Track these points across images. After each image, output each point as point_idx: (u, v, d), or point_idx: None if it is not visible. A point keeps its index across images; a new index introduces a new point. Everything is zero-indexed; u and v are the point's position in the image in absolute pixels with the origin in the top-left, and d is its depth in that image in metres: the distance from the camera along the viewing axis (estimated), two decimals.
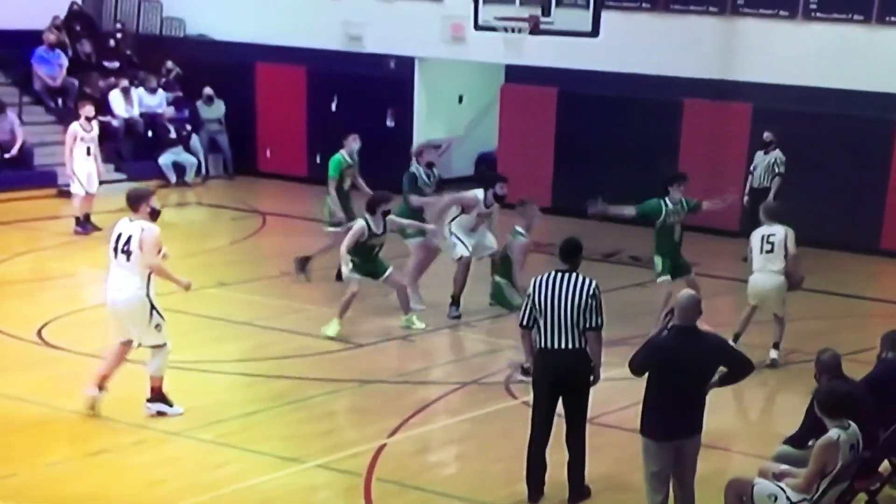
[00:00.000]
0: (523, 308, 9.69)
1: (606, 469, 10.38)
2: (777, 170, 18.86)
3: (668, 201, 14.50)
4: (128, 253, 10.95)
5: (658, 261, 14.64)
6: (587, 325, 9.57)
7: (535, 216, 14.69)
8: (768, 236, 13.59)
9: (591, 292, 9.55)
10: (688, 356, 8.57)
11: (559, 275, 9.58)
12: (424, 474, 10.48)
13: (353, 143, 16.74)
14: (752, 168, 19.28)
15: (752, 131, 20.21)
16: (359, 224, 13.90)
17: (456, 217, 15.39)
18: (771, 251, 13.54)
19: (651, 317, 14.26)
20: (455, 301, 15.16)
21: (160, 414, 11.25)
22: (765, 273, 13.60)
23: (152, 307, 11.06)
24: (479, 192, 15.19)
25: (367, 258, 13.99)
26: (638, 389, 8.94)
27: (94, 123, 19.33)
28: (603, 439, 10.92)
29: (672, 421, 8.64)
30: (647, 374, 8.75)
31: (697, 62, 21.01)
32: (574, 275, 9.62)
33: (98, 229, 18.74)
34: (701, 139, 20.95)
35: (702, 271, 16.02)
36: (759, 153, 19.21)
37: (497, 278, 14.74)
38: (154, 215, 11.20)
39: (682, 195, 14.62)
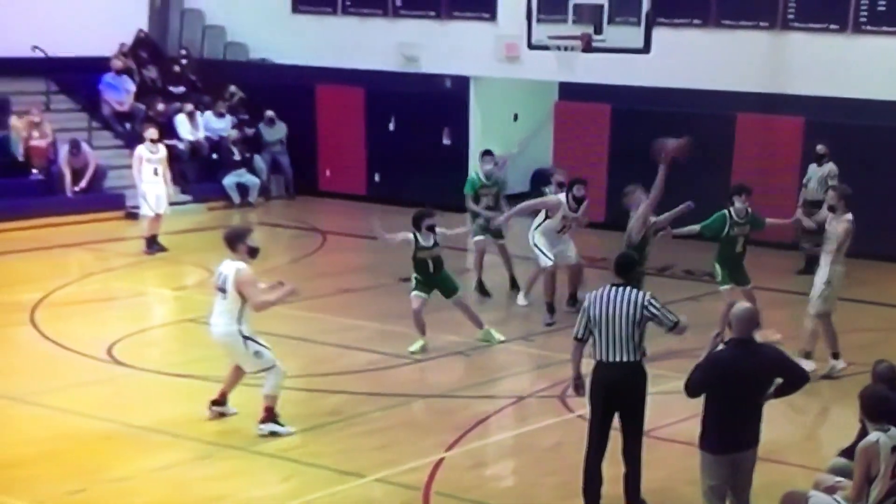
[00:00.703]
0: (578, 321, 9.60)
1: (661, 483, 10.23)
2: (830, 182, 18.60)
3: (732, 212, 14.36)
4: (223, 291, 11.11)
5: (718, 270, 14.47)
6: (667, 328, 9.57)
7: (641, 200, 14.09)
8: None
9: (645, 304, 9.43)
10: (745, 368, 8.42)
11: (614, 289, 9.48)
12: (481, 488, 10.39)
13: (486, 163, 16.86)
14: (805, 181, 19.05)
15: (804, 144, 20.00)
16: (407, 235, 13.86)
17: (541, 224, 15.38)
18: None
19: (705, 329, 14.13)
20: (549, 308, 15.29)
21: (273, 434, 11.21)
22: None
23: (245, 338, 11.14)
24: (560, 196, 15.26)
25: (424, 273, 13.92)
26: (691, 403, 8.79)
27: (160, 146, 19.42)
28: (657, 453, 10.77)
29: (730, 434, 8.49)
30: (701, 377, 8.57)
31: (749, 76, 20.84)
32: (628, 289, 9.51)
33: (164, 250, 18.87)
34: (754, 153, 20.74)
35: (755, 284, 15.77)
36: (813, 166, 18.99)
37: None
38: (252, 253, 11.29)
39: (747, 206, 14.44)
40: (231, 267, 11.12)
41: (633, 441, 9.64)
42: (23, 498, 9.69)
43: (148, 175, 18.95)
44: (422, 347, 13.98)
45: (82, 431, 11.27)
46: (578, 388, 9.83)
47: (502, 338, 14.40)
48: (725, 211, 14.42)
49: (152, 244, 19.01)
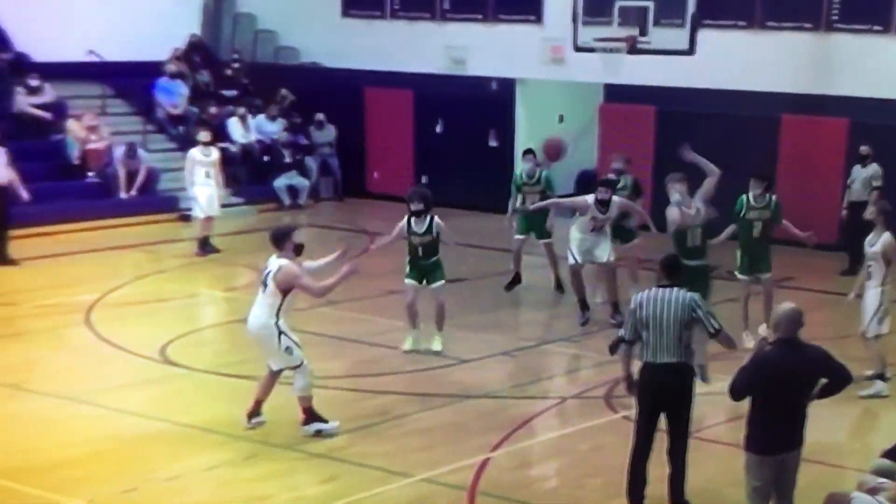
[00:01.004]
0: (626, 323, 9.57)
1: (705, 484, 10.17)
2: (875, 183, 18.44)
3: (749, 197, 14.42)
4: (265, 285, 11.15)
5: (737, 257, 14.48)
6: (709, 333, 9.52)
7: (676, 183, 13.95)
8: None
9: (692, 306, 9.38)
10: (791, 369, 8.35)
11: (661, 290, 9.43)
12: (526, 488, 10.38)
13: (527, 162, 17.01)
14: (849, 182, 18.88)
15: (848, 145, 19.80)
16: (401, 223, 13.82)
17: (576, 222, 15.49)
18: None
19: (750, 331, 14.09)
20: (581, 306, 15.33)
21: (318, 433, 11.23)
22: None
23: (280, 332, 11.12)
24: (588, 197, 15.25)
25: (413, 256, 13.83)
26: (735, 404, 8.72)
27: (212, 149, 19.50)
28: (702, 453, 10.71)
29: (775, 434, 8.41)
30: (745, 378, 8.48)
31: (793, 78, 20.67)
32: (675, 289, 9.45)
33: (217, 251, 18.97)
34: (798, 154, 20.56)
35: (798, 285, 15.74)
36: (857, 167, 18.82)
37: None
38: (298, 250, 11.31)
39: (770, 195, 14.45)
40: (275, 263, 11.13)
41: (679, 442, 9.60)
42: (76, 497, 9.77)
43: (200, 177, 19.04)
44: (414, 342, 13.88)
45: (134, 431, 11.37)
46: (630, 387, 9.76)
47: (439, 349, 13.98)
48: (745, 195, 14.48)
49: (204, 246, 19.10)
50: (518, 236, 16.79)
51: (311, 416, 11.29)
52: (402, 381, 12.97)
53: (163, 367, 13.33)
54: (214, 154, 19.44)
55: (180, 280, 17.80)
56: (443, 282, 13.95)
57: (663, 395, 9.46)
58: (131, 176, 21.99)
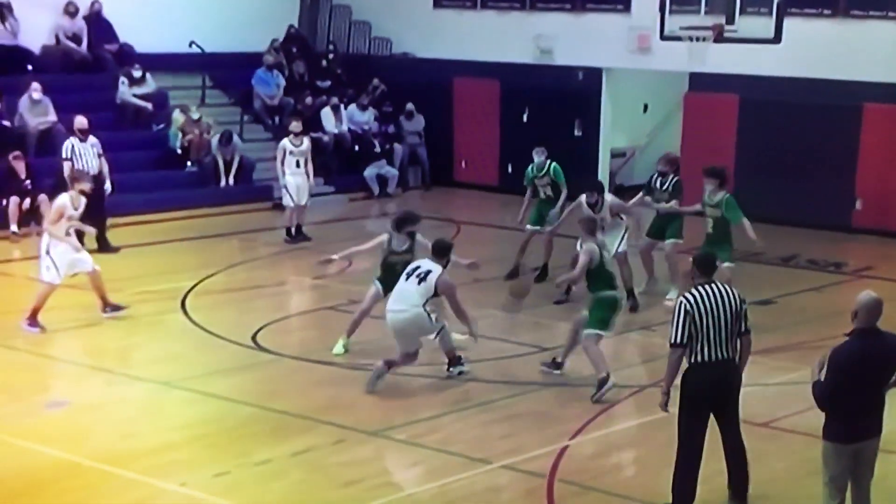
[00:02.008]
0: (677, 326, 9.09)
1: (782, 473, 10.09)
2: None
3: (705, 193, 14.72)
4: (420, 279, 12.11)
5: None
6: (742, 330, 9.24)
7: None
8: None
9: (742, 297, 9.24)
10: (871, 357, 8.17)
11: (709, 287, 9.17)
12: (605, 476, 10.33)
13: (538, 155, 16.77)
14: None
15: None
16: (380, 238, 13.38)
17: None
18: None
19: (829, 319, 13.85)
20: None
21: (460, 374, 12.55)
22: None
23: (428, 313, 12.09)
24: (582, 197, 15.19)
25: (391, 277, 12.86)
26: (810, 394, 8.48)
27: (304, 138, 19.50)
28: (778, 444, 10.61)
29: (854, 423, 8.24)
30: (829, 377, 8.30)
31: (877, 66, 20.29)
32: (720, 285, 9.25)
33: (308, 240, 19.05)
34: (881, 142, 20.20)
35: (878, 274, 15.45)
36: None
37: None
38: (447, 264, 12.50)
39: (719, 190, 14.59)
40: (434, 266, 12.15)
41: (739, 436, 9.37)
42: (172, 481, 9.91)
43: (290, 167, 19.08)
44: (344, 347, 13.34)
45: (226, 416, 11.51)
46: (669, 403, 9.36)
47: (340, 351, 13.36)
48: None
49: (298, 234, 19.23)
50: (528, 226, 16.61)
51: (456, 360, 12.64)
52: (485, 368, 12.96)
53: (254, 353, 13.46)
54: (306, 144, 19.43)
55: (272, 268, 17.96)
56: None
57: (723, 391, 9.21)
58: (228, 164, 22.20)
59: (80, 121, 18.10)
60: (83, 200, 14.35)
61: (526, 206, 16.77)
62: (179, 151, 22.21)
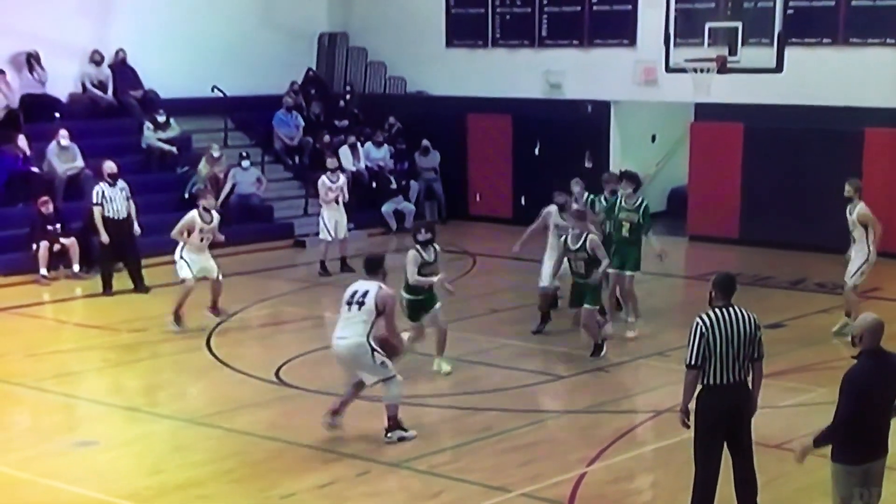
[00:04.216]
0: (692, 348, 8.86)
1: (794, 494, 9.89)
2: None
3: (620, 197, 15.13)
4: (359, 304, 11.27)
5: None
6: (755, 356, 8.98)
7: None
8: None
9: (757, 323, 9.01)
10: (877, 379, 8.00)
11: (727, 310, 8.93)
12: (623, 501, 10.14)
13: (574, 186, 16.46)
14: None
15: None
16: (411, 253, 13.37)
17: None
18: None
19: (835, 345, 13.66)
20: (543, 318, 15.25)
21: (401, 440, 11.37)
22: None
23: (373, 349, 11.19)
24: (552, 208, 15.33)
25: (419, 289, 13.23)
26: (824, 415, 8.36)
27: (340, 174, 19.77)
28: (791, 465, 10.34)
29: (863, 444, 8.05)
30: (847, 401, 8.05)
31: (877, 92, 20.19)
32: (738, 308, 9.01)
33: (352, 271, 18.67)
34: (882, 166, 20.03)
35: (884, 296, 15.20)
36: None
37: None
38: (385, 277, 11.59)
39: (635, 195, 14.97)
40: (371, 286, 11.29)
41: (750, 469, 9.14)
42: None
43: (329, 203, 19.28)
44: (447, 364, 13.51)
45: (251, 450, 11.35)
46: (688, 418, 9.16)
47: (449, 369, 13.58)
48: (616, 196, 15.23)
49: (343, 266, 19.28)
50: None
51: (395, 424, 11.42)
52: (502, 398, 12.79)
53: (277, 388, 13.32)
54: (342, 179, 19.66)
55: (296, 303, 17.84)
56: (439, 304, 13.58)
57: (735, 416, 8.98)
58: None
59: (110, 166, 18.11)
60: (214, 214, 15.80)
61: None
62: (186, 196, 21.69)
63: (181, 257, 15.56)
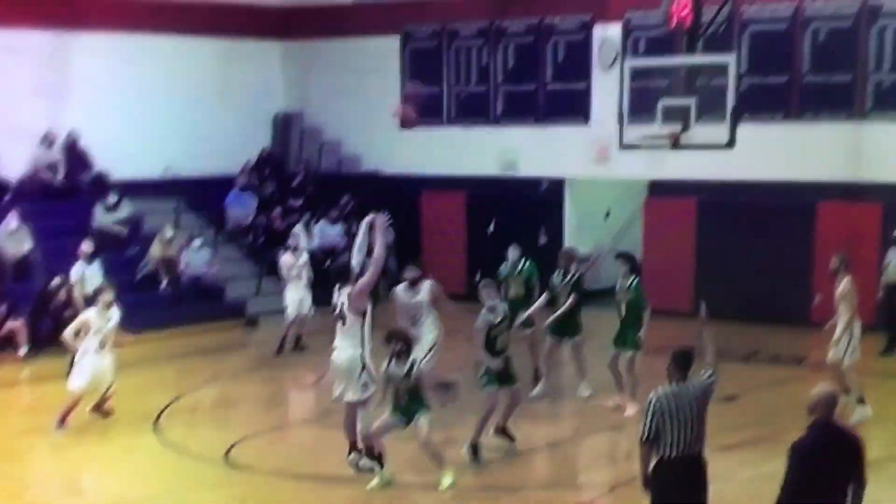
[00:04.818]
0: (646, 422, 8.87)
1: None
2: None
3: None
4: (343, 318, 11.78)
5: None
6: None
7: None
8: None
9: (709, 380, 9.07)
10: (826, 450, 7.99)
11: (682, 386, 8.91)
12: None
13: (512, 253, 16.77)
14: (885, 264, 18.48)
15: (882, 229, 19.42)
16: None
17: None
18: None
19: (793, 415, 13.52)
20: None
21: (357, 467, 11.78)
22: None
23: (363, 366, 11.56)
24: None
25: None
26: (775, 489, 8.19)
27: (301, 252, 19.88)
28: None
29: None
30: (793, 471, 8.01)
31: (829, 166, 20.40)
32: (693, 382, 8.99)
33: (303, 349, 19.04)
34: (834, 239, 20.14)
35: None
36: (892, 249, 18.42)
37: None
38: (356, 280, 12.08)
39: (629, 275, 15.20)
40: (342, 295, 11.73)
41: None
42: None
43: (292, 280, 19.31)
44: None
45: None
46: (648, 485, 9.10)
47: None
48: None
49: (296, 344, 19.25)
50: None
51: (354, 448, 11.82)
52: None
53: (226, 470, 13.03)
54: (303, 257, 19.70)
55: (247, 383, 17.64)
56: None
57: (689, 490, 8.93)
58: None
59: (87, 245, 18.92)
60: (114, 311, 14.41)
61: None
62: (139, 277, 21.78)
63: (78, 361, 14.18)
